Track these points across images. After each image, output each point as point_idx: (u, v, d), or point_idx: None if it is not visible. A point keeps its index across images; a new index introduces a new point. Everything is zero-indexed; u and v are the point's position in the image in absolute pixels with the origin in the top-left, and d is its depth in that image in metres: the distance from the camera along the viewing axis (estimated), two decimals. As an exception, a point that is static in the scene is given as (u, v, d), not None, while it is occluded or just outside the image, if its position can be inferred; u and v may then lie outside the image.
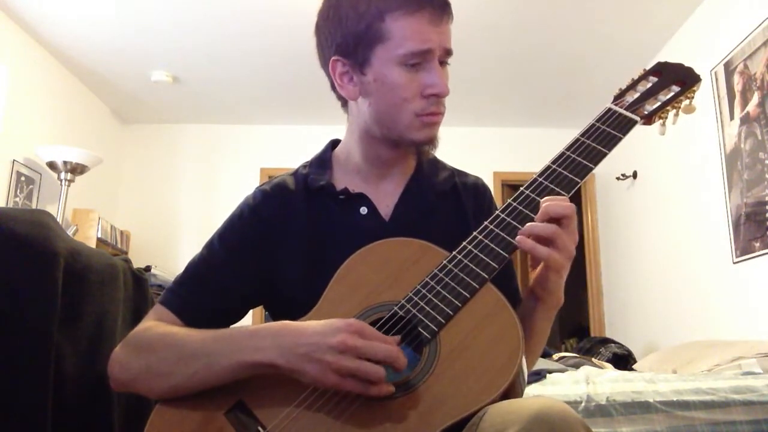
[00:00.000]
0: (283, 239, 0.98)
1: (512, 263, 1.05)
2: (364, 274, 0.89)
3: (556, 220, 0.79)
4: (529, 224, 0.80)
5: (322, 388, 0.77)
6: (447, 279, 0.83)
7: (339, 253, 0.91)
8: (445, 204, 1.03)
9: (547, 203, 0.80)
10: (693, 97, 0.95)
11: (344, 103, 1.02)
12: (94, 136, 4.61)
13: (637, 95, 0.93)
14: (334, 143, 1.09)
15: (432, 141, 0.97)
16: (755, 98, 2.85)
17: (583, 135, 0.89)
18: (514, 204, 0.86)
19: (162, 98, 4.64)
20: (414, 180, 1.03)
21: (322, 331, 0.76)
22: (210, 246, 1.00)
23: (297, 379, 0.77)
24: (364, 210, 0.99)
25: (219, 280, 0.97)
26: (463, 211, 1.03)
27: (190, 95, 4.60)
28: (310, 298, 0.89)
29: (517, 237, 0.80)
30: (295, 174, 1.05)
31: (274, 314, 1.01)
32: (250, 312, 1.06)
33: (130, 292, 1.29)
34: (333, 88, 1.00)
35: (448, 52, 0.94)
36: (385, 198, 1.01)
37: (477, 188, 1.08)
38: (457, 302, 0.81)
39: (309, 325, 0.79)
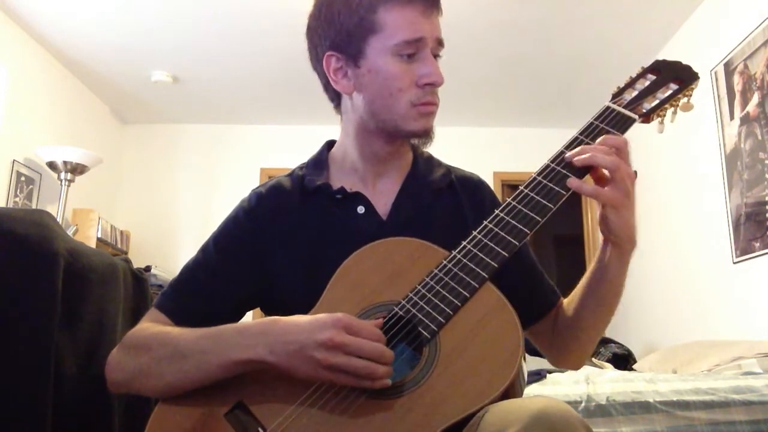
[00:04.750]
0: (279, 241, 0.97)
1: (531, 255, 1.05)
2: (364, 274, 0.89)
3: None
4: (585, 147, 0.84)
5: (318, 383, 0.78)
6: (447, 278, 0.83)
7: (337, 253, 0.90)
8: (442, 201, 1.03)
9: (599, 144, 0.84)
10: (691, 95, 0.94)
11: (337, 104, 1.02)
12: (94, 136, 4.61)
13: (635, 93, 0.93)
14: (330, 144, 1.09)
15: (428, 132, 0.96)
16: (755, 98, 2.85)
17: (582, 133, 0.89)
18: (514, 203, 0.86)
19: (162, 98, 4.64)
20: (410, 178, 1.03)
21: (310, 328, 0.77)
22: (205, 249, 0.99)
23: (294, 377, 0.78)
24: (361, 209, 0.98)
25: (213, 284, 0.96)
26: (460, 207, 1.02)
27: (190, 95, 4.59)
28: (308, 300, 0.88)
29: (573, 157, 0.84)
30: (291, 175, 1.05)
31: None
32: (250, 312, 1.05)
33: (130, 292, 1.29)
34: (326, 87, 1.01)
35: (440, 43, 0.95)
36: (383, 197, 1.00)
37: (474, 183, 1.08)
38: (457, 302, 0.80)
39: (298, 321, 0.79)
